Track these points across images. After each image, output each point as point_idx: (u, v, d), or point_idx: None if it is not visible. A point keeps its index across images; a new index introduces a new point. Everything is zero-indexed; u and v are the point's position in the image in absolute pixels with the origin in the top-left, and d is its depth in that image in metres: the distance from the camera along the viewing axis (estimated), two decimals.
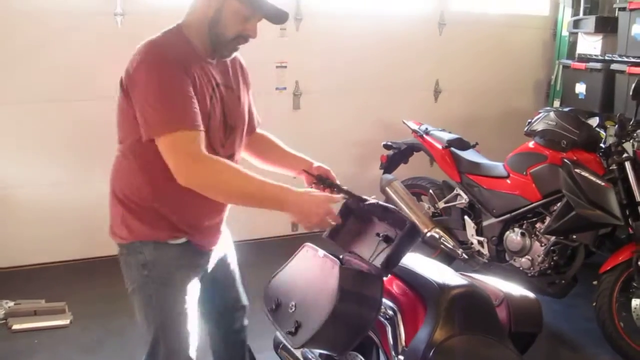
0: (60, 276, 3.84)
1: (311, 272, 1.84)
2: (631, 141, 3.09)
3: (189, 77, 1.69)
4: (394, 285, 1.89)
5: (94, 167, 3.96)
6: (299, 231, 4.60)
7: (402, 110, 4.58)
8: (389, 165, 4.10)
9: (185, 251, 1.85)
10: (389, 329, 1.79)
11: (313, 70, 4.40)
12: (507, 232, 3.44)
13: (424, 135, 3.87)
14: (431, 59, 4.89)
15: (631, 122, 3.07)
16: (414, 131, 3.95)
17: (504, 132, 4.97)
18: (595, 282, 3.16)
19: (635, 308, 3.01)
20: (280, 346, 2.12)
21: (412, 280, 1.87)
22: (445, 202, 3.75)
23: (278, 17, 1.74)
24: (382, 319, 1.81)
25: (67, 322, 3.31)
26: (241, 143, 1.94)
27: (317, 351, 2.02)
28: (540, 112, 3.51)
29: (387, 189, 3.84)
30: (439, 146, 3.74)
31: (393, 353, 1.75)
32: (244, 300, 2.19)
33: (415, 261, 1.99)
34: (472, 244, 3.58)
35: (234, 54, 1.84)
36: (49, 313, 3.37)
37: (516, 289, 2.03)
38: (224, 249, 2.08)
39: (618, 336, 2.96)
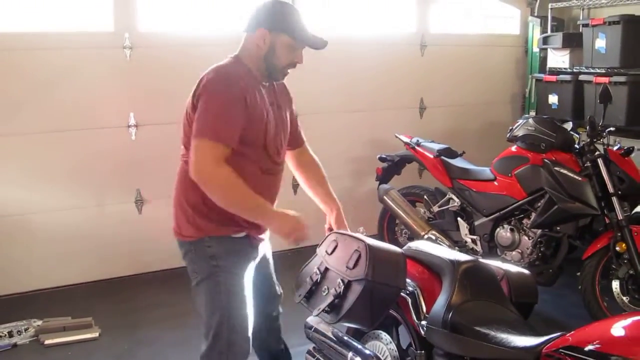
0: (82, 296, 4.06)
1: (338, 257, 2.14)
2: (601, 140, 3.46)
3: (244, 99, 2.04)
4: (412, 266, 2.18)
5: (106, 191, 4.26)
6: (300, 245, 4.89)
7: (391, 127, 4.93)
8: (384, 177, 4.42)
9: (244, 244, 2.20)
10: (410, 302, 2.09)
11: (308, 93, 4.71)
12: (498, 229, 3.77)
13: (416, 147, 4.21)
14: (415, 79, 5.27)
15: (600, 123, 3.45)
16: (406, 143, 4.30)
17: (485, 142, 5.35)
18: (579, 273, 3.50)
19: (615, 288, 3.35)
20: (312, 329, 2.39)
21: (427, 260, 2.18)
22: (439, 207, 4.08)
23: (319, 45, 2.17)
24: (404, 294, 2.10)
25: (97, 335, 3.53)
26: (286, 153, 2.36)
27: (347, 326, 2.30)
28: (519, 120, 3.89)
29: (385, 197, 4.21)
30: (431, 156, 4.08)
31: (416, 320, 2.04)
32: (279, 289, 2.51)
33: (427, 245, 2.31)
34: (466, 242, 3.91)
35: (284, 79, 2.25)
36: (77, 328, 3.58)
37: (513, 267, 2.35)
38: (266, 245, 2.41)
39: (603, 315, 3.28)
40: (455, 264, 2.06)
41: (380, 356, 2.15)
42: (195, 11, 4.32)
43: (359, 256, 2.02)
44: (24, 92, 3.93)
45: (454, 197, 4.00)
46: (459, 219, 3.98)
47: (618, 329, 1.53)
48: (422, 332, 1.99)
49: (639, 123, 4.43)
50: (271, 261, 2.48)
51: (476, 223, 3.88)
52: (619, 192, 3.34)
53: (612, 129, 3.58)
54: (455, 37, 5.43)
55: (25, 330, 3.54)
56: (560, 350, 1.57)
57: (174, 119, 4.21)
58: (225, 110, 2.02)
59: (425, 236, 3.96)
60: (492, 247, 3.82)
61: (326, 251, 2.21)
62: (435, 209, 4.09)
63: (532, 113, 5.59)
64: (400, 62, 5.16)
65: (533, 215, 3.60)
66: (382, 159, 4.38)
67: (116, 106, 4.19)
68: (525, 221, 3.68)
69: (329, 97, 4.88)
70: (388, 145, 4.71)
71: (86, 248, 4.19)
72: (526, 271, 2.36)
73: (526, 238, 3.65)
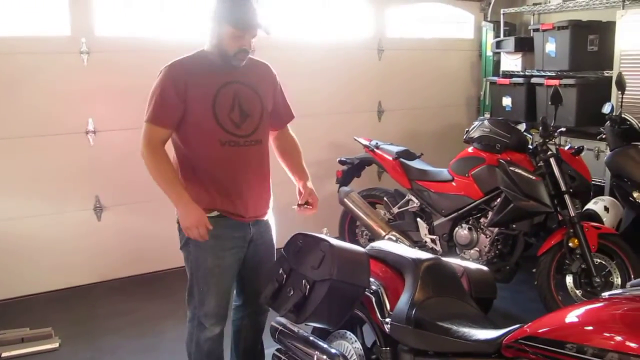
0: (41, 306, 3.95)
1: (303, 257, 2.17)
2: (553, 140, 3.60)
3: (182, 82, 2.30)
4: (375, 265, 2.23)
5: (66, 198, 4.17)
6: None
7: (350, 130, 5.00)
8: (344, 179, 4.48)
9: (218, 223, 2.36)
10: (374, 300, 2.13)
11: None
12: (456, 229, 3.87)
13: (375, 150, 4.28)
14: (373, 83, 5.35)
15: (552, 124, 3.58)
16: (366, 146, 4.36)
17: (442, 144, 5.47)
18: (534, 270, 3.62)
19: (569, 283, 3.48)
20: (278, 331, 2.40)
21: (389, 259, 2.23)
22: (399, 208, 4.16)
23: (265, 29, 2.30)
24: (368, 293, 2.14)
25: (57, 345, 3.44)
26: (261, 128, 2.45)
27: (312, 326, 2.33)
28: (475, 122, 4.00)
29: (346, 200, 4.26)
30: (390, 158, 4.16)
31: (380, 318, 2.09)
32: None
33: (389, 245, 2.36)
34: (426, 242, 3.99)
35: (243, 62, 2.36)
36: (36, 339, 3.48)
37: (472, 264, 2.43)
38: (266, 234, 2.54)
39: (558, 308, 3.41)
40: (417, 262, 2.11)
41: (347, 355, 2.18)
42: (153, 16, 4.29)
43: (324, 256, 2.05)
44: None
45: (413, 198, 4.08)
46: (418, 219, 4.06)
47: (572, 317, 1.61)
48: (387, 330, 2.04)
49: (587, 123, 4.61)
50: (273, 253, 2.57)
51: (435, 223, 3.96)
52: (571, 190, 3.48)
53: (563, 129, 3.72)
54: (411, 41, 5.53)
55: None
56: (520, 340, 1.64)
57: (132, 125, 4.20)
58: (159, 95, 2.31)
59: (386, 237, 4.01)
60: (451, 246, 3.91)
61: (291, 251, 2.24)
62: (395, 210, 4.17)
63: (487, 115, 5.75)
64: (359, 66, 5.23)
65: (490, 214, 3.71)
66: (342, 162, 4.44)
67: (74, 112, 4.11)
68: (482, 220, 3.79)
69: (288, 101, 4.89)
70: (347, 148, 4.76)
71: (45, 257, 4.09)
72: (485, 268, 2.44)
73: (484, 236, 3.76)
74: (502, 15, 5.62)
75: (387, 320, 2.04)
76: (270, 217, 2.58)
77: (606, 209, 3.98)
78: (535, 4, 5.40)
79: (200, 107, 2.32)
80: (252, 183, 2.43)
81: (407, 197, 4.13)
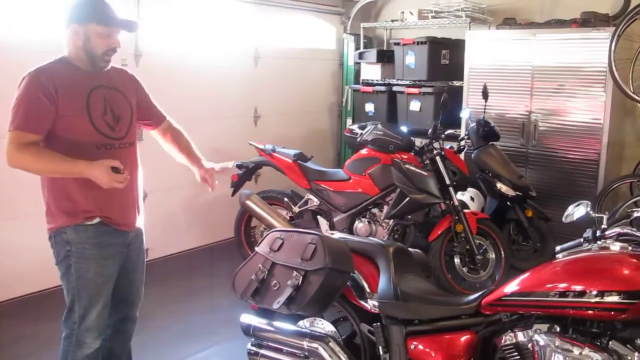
0: None
1: (289, 251, 2.34)
2: (439, 141, 4.15)
3: (49, 90, 2.24)
4: None
5: None
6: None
7: (229, 135, 5.16)
8: (238, 183, 4.61)
9: (99, 231, 2.38)
10: (350, 284, 2.37)
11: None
12: (356, 223, 4.25)
13: (272, 153, 4.49)
14: (250, 89, 5.55)
15: (438, 127, 4.13)
16: (262, 150, 4.55)
17: (308, 146, 5.81)
18: None
19: (457, 263, 4.05)
20: (252, 326, 2.51)
21: (358, 247, 2.48)
22: (299, 207, 4.42)
23: (130, 27, 2.40)
24: None
25: None
26: (132, 130, 2.49)
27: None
28: (368, 126, 4.40)
29: (247, 202, 4.42)
30: (289, 160, 4.40)
31: (360, 299, 2.34)
32: (135, 296, 2.63)
33: (348, 236, 2.63)
34: None
35: (110, 64, 2.42)
36: None
37: (410, 249, 2.77)
38: (139, 243, 2.58)
39: (449, 285, 3.96)
40: (385, 246, 2.41)
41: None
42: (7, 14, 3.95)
43: (315, 248, 2.25)
44: None
45: (312, 197, 4.37)
46: (318, 217, 4.36)
47: (546, 274, 1.99)
48: (370, 308, 2.30)
49: (443, 126, 5.29)
50: (144, 259, 2.64)
51: (335, 219, 4.30)
52: (454, 183, 4.06)
53: (450, 132, 4.30)
54: (284, 50, 5.83)
55: None
56: (503, 298, 2.02)
57: None
58: (28, 100, 2.24)
59: None
60: None
61: (270, 248, 2.39)
62: (296, 209, 4.42)
63: (349, 120, 6.26)
64: (236, 72, 5.39)
65: (386, 208, 4.14)
66: (239, 166, 4.56)
67: None
68: (378, 214, 4.21)
69: (170, 106, 4.77)
70: (227, 153, 4.87)
71: None
72: (419, 251, 2.81)
73: (381, 228, 4.18)
74: (362, 29, 6.17)
75: (371, 300, 2.31)
76: (140, 222, 2.60)
77: (472, 198, 4.68)
78: (393, 20, 6.03)
79: (73, 111, 2.29)
80: (130, 186, 2.41)
81: (306, 197, 4.40)
